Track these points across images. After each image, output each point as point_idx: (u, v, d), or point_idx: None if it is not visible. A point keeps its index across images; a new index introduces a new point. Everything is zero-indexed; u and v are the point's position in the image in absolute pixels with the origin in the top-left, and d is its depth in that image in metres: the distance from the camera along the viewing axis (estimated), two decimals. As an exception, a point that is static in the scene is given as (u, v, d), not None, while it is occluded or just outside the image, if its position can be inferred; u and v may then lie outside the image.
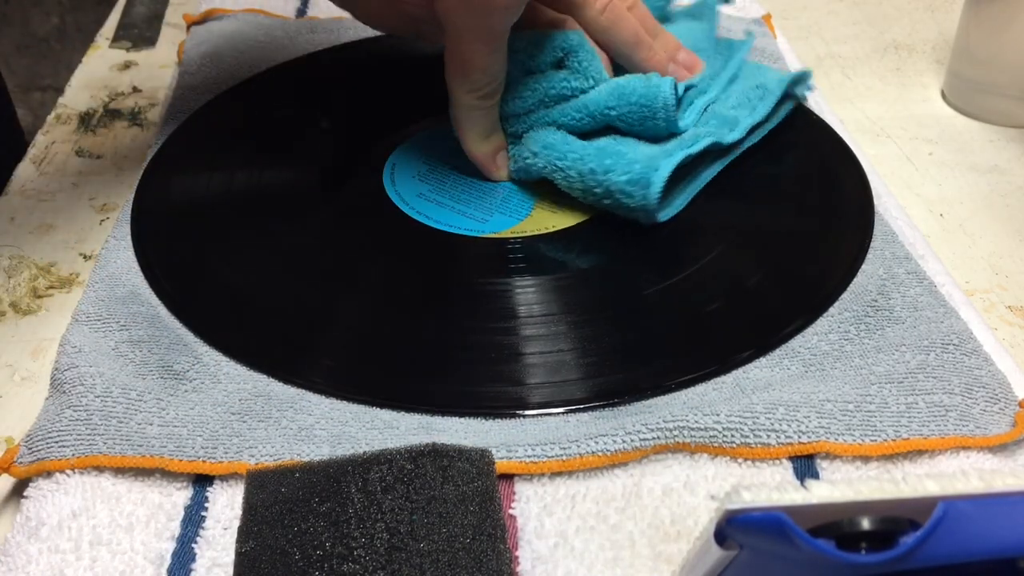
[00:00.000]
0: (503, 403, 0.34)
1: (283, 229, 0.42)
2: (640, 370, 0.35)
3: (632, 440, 0.31)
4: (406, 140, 0.48)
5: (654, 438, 0.31)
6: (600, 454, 0.31)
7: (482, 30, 0.40)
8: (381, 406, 0.34)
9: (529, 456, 0.31)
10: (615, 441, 0.31)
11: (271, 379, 0.35)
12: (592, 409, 0.33)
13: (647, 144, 0.42)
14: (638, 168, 0.40)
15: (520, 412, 0.33)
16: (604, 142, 0.42)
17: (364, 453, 0.31)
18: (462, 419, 0.33)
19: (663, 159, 0.40)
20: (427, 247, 0.42)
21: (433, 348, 0.36)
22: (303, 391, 0.34)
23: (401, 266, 0.41)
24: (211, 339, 0.36)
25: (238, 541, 0.28)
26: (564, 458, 0.31)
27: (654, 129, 0.42)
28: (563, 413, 0.33)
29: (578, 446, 0.31)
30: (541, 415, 0.33)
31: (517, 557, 0.29)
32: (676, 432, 0.32)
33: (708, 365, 0.35)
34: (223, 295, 0.39)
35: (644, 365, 0.35)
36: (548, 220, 0.43)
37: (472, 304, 0.38)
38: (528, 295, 0.38)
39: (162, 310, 0.38)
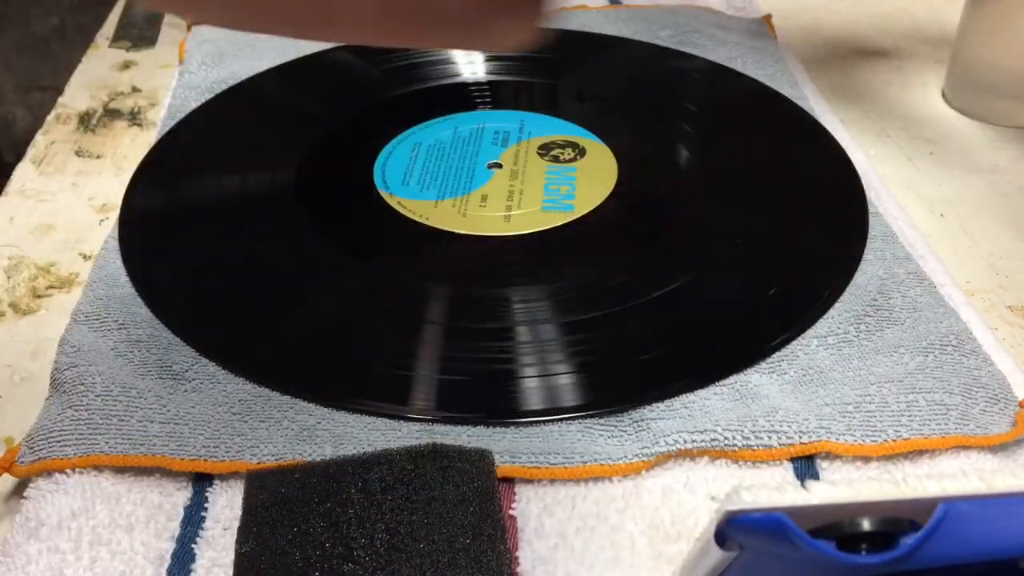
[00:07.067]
0: (503, 410, 0.34)
1: (281, 228, 0.42)
2: (640, 376, 0.35)
3: (633, 448, 0.31)
4: (396, 137, 0.48)
5: (656, 448, 0.31)
6: (603, 463, 0.31)
7: None
8: (378, 414, 0.33)
9: (531, 463, 0.31)
10: (618, 450, 0.31)
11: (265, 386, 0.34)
12: (593, 417, 0.33)
13: None
14: None
15: (520, 420, 0.33)
16: None
17: (364, 453, 0.31)
18: (463, 425, 0.33)
19: None
20: (422, 245, 0.42)
21: (432, 348, 0.36)
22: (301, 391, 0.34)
23: (397, 267, 0.41)
24: (202, 346, 0.36)
25: (238, 541, 0.28)
26: (567, 466, 0.31)
27: None
28: (563, 421, 0.33)
29: (581, 457, 0.31)
30: (542, 422, 0.33)
31: (517, 558, 0.29)
32: (677, 438, 0.32)
33: (708, 370, 0.35)
34: (220, 296, 0.39)
35: (644, 371, 0.35)
36: (545, 218, 0.43)
37: (469, 307, 0.38)
38: (526, 296, 0.38)
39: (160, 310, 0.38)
